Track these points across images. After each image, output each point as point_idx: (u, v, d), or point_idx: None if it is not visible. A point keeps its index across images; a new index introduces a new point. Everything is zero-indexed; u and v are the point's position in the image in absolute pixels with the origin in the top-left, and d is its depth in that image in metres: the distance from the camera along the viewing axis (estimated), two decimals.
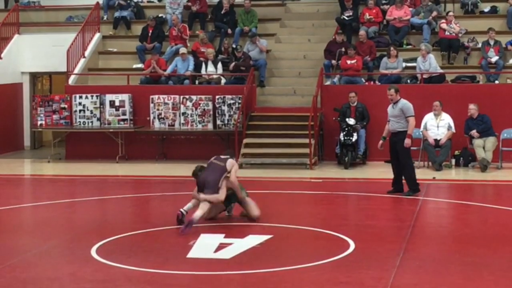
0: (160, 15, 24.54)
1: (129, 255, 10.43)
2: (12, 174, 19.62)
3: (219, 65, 21.87)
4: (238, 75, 21.71)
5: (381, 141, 15.64)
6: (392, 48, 21.39)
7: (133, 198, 15.95)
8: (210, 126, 21.07)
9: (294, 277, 9.45)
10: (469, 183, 17.63)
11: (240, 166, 19.46)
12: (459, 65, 22.00)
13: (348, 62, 21.26)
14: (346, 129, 19.55)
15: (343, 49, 21.64)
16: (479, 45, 21.87)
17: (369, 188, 16.81)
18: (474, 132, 18.93)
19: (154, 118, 21.29)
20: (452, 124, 19.26)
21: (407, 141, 14.98)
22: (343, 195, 16.04)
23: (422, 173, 18.38)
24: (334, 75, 21.63)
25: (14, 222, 13.36)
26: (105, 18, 25.16)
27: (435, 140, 19.19)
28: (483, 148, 18.78)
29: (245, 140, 20.13)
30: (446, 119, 19.33)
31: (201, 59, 22.14)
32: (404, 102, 15.16)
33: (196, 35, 23.29)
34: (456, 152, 19.40)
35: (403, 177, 15.23)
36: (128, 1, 25.07)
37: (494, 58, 21.25)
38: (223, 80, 21.95)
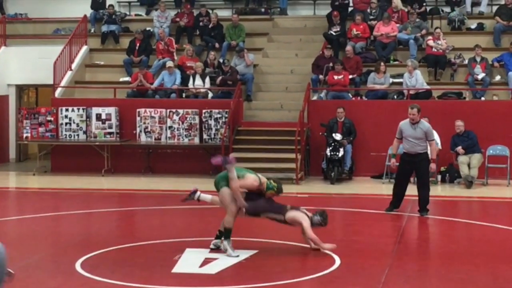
0: (147, 29, 24.56)
1: (114, 270, 10.36)
2: None
3: (207, 79, 21.88)
4: (225, 89, 21.72)
5: (393, 160, 15.42)
6: (382, 64, 21.45)
7: (119, 212, 15.90)
8: (196, 140, 21.07)
9: None
10: (455, 200, 17.67)
11: None
12: (445, 81, 22.13)
13: (335, 77, 21.31)
14: (333, 144, 19.57)
15: (330, 64, 21.69)
16: (466, 62, 22.01)
17: (355, 203, 16.79)
18: (459, 149, 18.98)
19: (140, 131, 21.28)
20: (439, 141, 19.30)
21: (433, 166, 15.01)
22: (329, 211, 15.91)
23: (408, 189, 18.38)
24: (321, 90, 21.67)
25: None
26: (92, 31, 25.16)
27: None
28: (469, 164, 18.84)
29: (232, 155, 20.03)
30: None
31: (188, 72, 22.16)
32: (427, 125, 14.76)
33: (183, 48, 23.31)
34: (442, 168, 19.44)
35: (418, 196, 14.97)
36: (114, 16, 25.07)
37: (481, 75, 21.35)
38: (210, 94, 21.96)
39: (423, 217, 14.72)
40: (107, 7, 25.34)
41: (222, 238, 11.15)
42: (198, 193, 11.78)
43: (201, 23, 24.07)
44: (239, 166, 11.33)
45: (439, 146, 19.26)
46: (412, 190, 17.90)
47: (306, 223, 11.17)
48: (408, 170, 14.92)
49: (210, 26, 23.92)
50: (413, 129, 14.55)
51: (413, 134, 14.53)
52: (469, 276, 10.09)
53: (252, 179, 11.11)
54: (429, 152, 14.76)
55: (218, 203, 11.48)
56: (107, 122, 21.52)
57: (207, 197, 11.85)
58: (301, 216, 11.21)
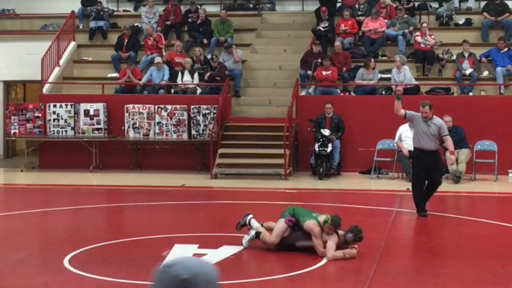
0: (136, 24, 24.54)
1: (102, 265, 10.41)
2: None
3: (195, 74, 21.89)
4: (213, 85, 21.74)
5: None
6: (372, 60, 21.49)
7: (107, 208, 15.94)
8: (185, 136, 21.07)
9: None
10: (443, 195, 17.66)
11: (215, 176, 19.58)
12: (433, 76, 22.19)
13: (324, 73, 21.35)
14: (321, 139, 19.60)
15: (319, 60, 21.73)
16: (454, 57, 22.08)
17: (344, 199, 16.85)
18: None
19: (128, 127, 21.26)
20: None
21: (453, 157, 14.62)
22: (318, 206, 15.99)
23: (397, 185, 18.51)
24: (310, 85, 21.72)
25: None
26: (80, 27, 25.13)
27: (410, 151, 19.25)
28: (457, 160, 18.89)
29: (220, 150, 20.14)
30: None
31: (177, 69, 22.16)
32: (440, 121, 14.30)
33: (172, 44, 23.31)
34: None
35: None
36: (102, 12, 25.05)
37: (469, 70, 21.42)
38: (198, 90, 21.97)
39: (411, 213, 14.80)
40: (97, 4, 25.32)
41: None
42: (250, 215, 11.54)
43: (190, 19, 24.05)
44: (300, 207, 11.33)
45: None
46: (398, 185, 18.15)
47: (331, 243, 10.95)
48: (423, 170, 14.04)
49: (198, 22, 23.92)
50: (426, 126, 13.98)
51: (427, 130, 13.95)
52: (457, 271, 10.17)
53: (314, 225, 10.91)
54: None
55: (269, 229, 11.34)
56: (95, 118, 21.50)
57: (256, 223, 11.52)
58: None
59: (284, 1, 26.13)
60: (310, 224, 10.77)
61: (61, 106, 21.59)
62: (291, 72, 22.44)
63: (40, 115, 21.75)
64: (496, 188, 18.40)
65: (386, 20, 23.09)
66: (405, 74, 20.96)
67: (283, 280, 9.73)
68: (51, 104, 21.60)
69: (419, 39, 22.23)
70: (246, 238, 11.27)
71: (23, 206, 15.76)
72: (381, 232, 12.79)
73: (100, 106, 21.46)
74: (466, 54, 21.66)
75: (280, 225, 11.00)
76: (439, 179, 14.44)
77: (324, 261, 10.56)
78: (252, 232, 11.25)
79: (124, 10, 26.42)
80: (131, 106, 21.24)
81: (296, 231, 10.95)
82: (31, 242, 12.29)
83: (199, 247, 11.29)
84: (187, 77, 21.87)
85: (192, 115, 20.96)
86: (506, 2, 23.25)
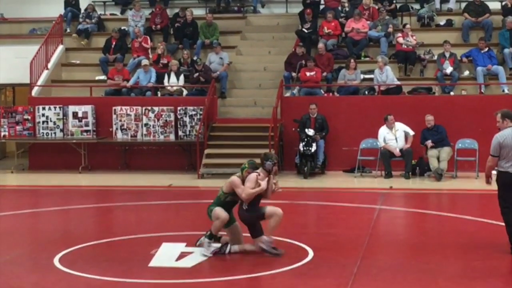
0: (123, 28, 24.72)
1: (92, 265, 10.51)
2: None
3: (181, 76, 22.10)
4: (199, 87, 21.95)
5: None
6: (352, 61, 21.73)
7: (96, 208, 16.07)
8: (172, 137, 21.28)
9: (254, 285, 9.70)
10: (425, 192, 17.91)
11: (202, 176, 19.76)
12: (415, 77, 22.42)
13: (308, 74, 21.58)
14: (306, 139, 19.80)
15: (303, 62, 21.95)
16: (435, 57, 22.29)
17: (328, 197, 17.01)
18: (429, 142, 19.24)
19: (116, 129, 21.46)
20: (408, 129, 19.63)
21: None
22: (303, 205, 16.20)
23: (380, 183, 18.76)
24: (294, 86, 21.94)
25: None
26: (68, 31, 25.29)
27: (401, 150, 19.52)
28: (438, 158, 19.17)
29: (207, 151, 20.32)
30: (401, 128, 19.71)
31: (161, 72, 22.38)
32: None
33: (157, 47, 23.46)
34: (412, 162, 19.65)
35: None
36: (91, 14, 25.27)
37: (449, 70, 21.65)
38: (184, 92, 22.18)
39: (393, 210, 15.02)
40: (83, 9, 25.52)
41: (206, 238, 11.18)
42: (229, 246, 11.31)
43: (177, 24, 24.21)
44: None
45: (412, 133, 19.62)
46: (381, 183, 18.37)
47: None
48: None
49: (187, 22, 24.03)
50: None
51: None
52: (439, 267, 10.31)
53: (232, 178, 11.12)
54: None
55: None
56: (83, 120, 21.69)
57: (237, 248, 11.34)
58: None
59: (268, 3, 26.37)
60: (230, 180, 11.00)
61: (50, 109, 21.77)
62: (275, 73, 22.65)
63: (29, 117, 21.94)
64: (477, 185, 18.37)
65: (368, 22, 23.35)
66: (387, 75, 21.21)
67: (267, 278, 9.84)
68: (40, 107, 21.79)
69: (401, 40, 22.50)
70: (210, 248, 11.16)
71: (14, 207, 15.87)
72: (364, 229, 12.92)
73: (88, 108, 21.66)
74: (447, 54, 21.88)
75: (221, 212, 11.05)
76: None
77: (309, 258, 10.72)
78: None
79: (111, 14, 26.61)
80: (118, 108, 21.42)
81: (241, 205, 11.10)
82: (21, 242, 12.35)
83: (186, 246, 11.42)
84: (173, 79, 22.09)
85: (179, 117, 21.16)
86: (486, 3, 23.54)
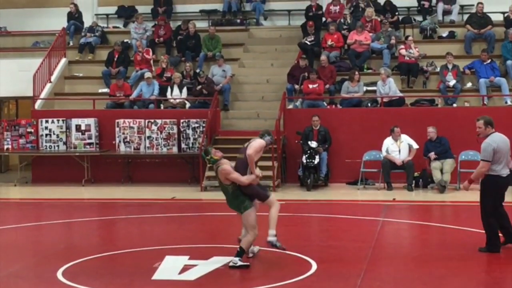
0: (125, 41, 24.78)
1: (95, 278, 10.53)
2: None
3: (184, 89, 22.14)
4: (202, 100, 21.98)
5: None
6: (356, 73, 21.74)
7: (99, 221, 16.08)
8: (175, 150, 21.29)
9: None
10: (428, 204, 17.91)
11: (205, 189, 19.76)
12: (418, 88, 22.44)
13: (310, 86, 21.59)
14: (309, 151, 19.80)
15: (306, 74, 21.97)
16: (438, 69, 22.31)
17: (331, 209, 17.05)
18: (432, 154, 19.24)
19: (119, 141, 21.47)
20: (413, 142, 19.60)
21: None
22: (306, 217, 16.20)
23: (383, 195, 18.74)
24: (297, 98, 21.95)
25: None
26: (71, 44, 25.36)
27: (402, 161, 19.51)
28: (441, 170, 19.15)
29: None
30: (405, 140, 19.69)
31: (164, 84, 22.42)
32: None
33: (160, 59, 23.49)
34: (416, 174, 19.67)
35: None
36: (95, 28, 25.36)
37: (452, 82, 21.68)
38: (187, 104, 22.21)
39: (397, 222, 14.99)
40: (87, 24, 25.60)
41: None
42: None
43: (180, 37, 24.26)
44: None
45: (416, 146, 19.58)
46: (385, 195, 18.35)
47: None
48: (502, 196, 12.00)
49: (186, 36, 24.12)
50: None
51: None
52: (443, 280, 10.28)
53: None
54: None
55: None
56: (86, 133, 21.71)
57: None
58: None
59: (271, 16, 26.41)
60: (221, 170, 11.45)
61: (53, 122, 21.79)
62: (278, 85, 22.68)
63: (32, 130, 21.97)
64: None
65: (371, 34, 23.39)
66: (390, 87, 21.22)
67: None
68: (43, 120, 21.81)
69: (403, 52, 22.53)
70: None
71: (17, 220, 15.92)
72: (368, 241, 12.90)
73: (91, 121, 21.69)
74: (450, 66, 21.91)
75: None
76: None
77: (312, 270, 10.71)
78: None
79: (113, 27, 26.67)
80: (121, 120, 21.45)
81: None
82: (24, 255, 12.36)
83: (189, 259, 11.43)
84: (176, 91, 22.13)
85: (181, 129, 21.18)
86: (489, 14, 23.59)
